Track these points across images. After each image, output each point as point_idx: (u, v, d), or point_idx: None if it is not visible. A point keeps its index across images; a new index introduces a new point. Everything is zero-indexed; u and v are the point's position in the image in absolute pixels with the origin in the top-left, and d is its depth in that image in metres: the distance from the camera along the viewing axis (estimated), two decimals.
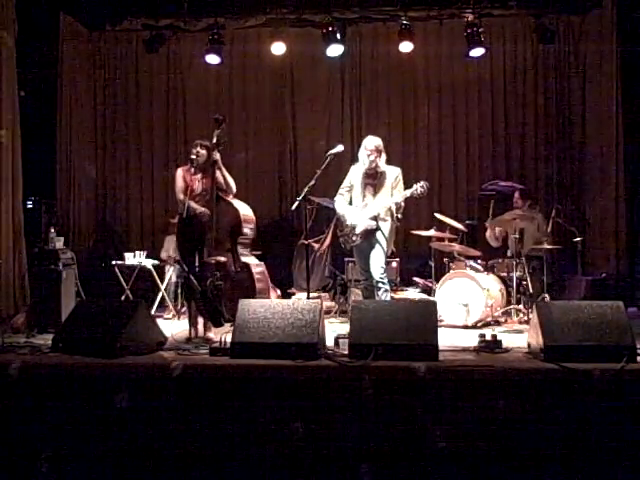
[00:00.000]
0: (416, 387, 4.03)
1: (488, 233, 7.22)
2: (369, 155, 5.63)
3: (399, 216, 5.69)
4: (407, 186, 5.64)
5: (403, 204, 5.62)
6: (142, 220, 8.80)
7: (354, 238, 5.72)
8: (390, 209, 5.60)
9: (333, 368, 4.19)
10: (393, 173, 5.70)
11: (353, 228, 5.72)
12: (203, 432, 4.03)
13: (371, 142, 5.67)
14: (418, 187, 5.49)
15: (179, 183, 5.57)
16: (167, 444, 4.04)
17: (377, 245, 5.64)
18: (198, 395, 4.13)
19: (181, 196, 5.51)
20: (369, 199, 5.70)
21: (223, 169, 5.56)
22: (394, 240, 5.98)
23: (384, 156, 5.70)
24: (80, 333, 4.72)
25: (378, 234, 5.64)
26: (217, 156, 5.47)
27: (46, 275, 6.08)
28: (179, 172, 5.63)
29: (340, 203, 5.84)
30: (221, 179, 5.55)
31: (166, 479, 4.03)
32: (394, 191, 5.63)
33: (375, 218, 5.61)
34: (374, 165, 5.65)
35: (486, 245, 7.32)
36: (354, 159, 5.85)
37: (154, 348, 4.79)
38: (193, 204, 5.40)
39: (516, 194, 7.26)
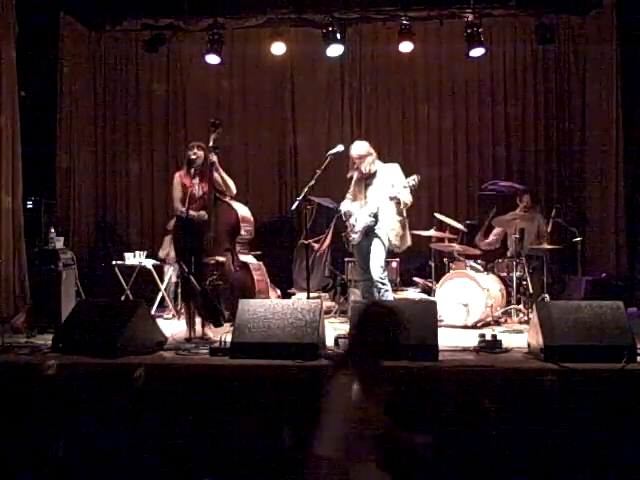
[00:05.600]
0: (415, 387, 4.04)
1: (483, 246, 7.19)
2: (359, 163, 5.66)
3: (404, 215, 5.68)
4: None
5: (406, 199, 5.53)
6: (142, 220, 8.80)
7: (354, 236, 5.72)
8: (392, 203, 5.56)
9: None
10: (390, 169, 5.69)
11: (353, 225, 5.72)
12: (203, 432, 4.03)
13: (356, 150, 5.69)
14: (410, 180, 5.48)
15: (177, 192, 5.55)
16: (167, 444, 4.04)
17: (376, 244, 5.62)
18: (198, 395, 4.14)
19: (179, 206, 5.49)
20: (369, 198, 5.71)
21: (221, 171, 5.56)
22: (409, 237, 5.85)
23: (373, 157, 5.70)
24: (80, 333, 4.73)
25: (377, 232, 5.63)
26: (214, 158, 5.48)
27: (46, 275, 6.09)
28: (177, 179, 5.60)
29: (345, 203, 5.87)
30: (220, 180, 5.55)
31: (165, 479, 4.04)
32: (394, 186, 5.61)
33: (373, 215, 5.61)
34: (367, 170, 5.66)
35: None
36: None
37: (154, 348, 4.79)
38: (192, 213, 5.39)
39: (525, 197, 7.17)
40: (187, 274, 5.28)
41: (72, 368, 4.31)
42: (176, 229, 5.75)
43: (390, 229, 5.62)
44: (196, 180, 5.54)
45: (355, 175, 5.77)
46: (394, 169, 5.69)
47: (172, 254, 7.06)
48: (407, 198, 5.52)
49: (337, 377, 2.51)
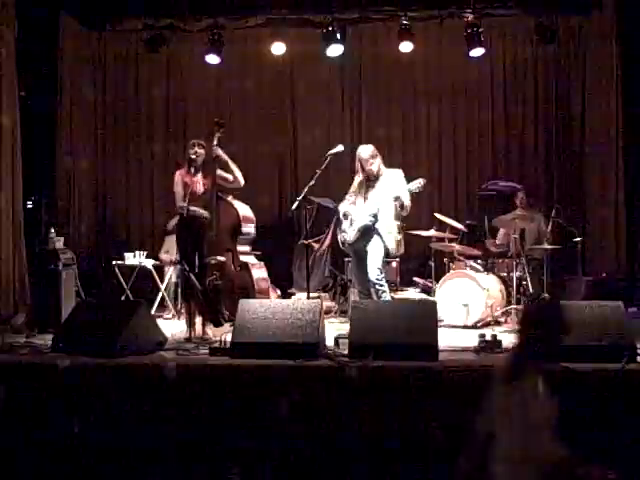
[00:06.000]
0: (416, 387, 4.04)
1: (493, 247, 7.22)
2: (367, 165, 5.67)
3: (402, 221, 5.69)
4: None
5: (407, 203, 5.57)
6: (142, 220, 8.79)
7: (350, 233, 5.71)
8: (392, 206, 5.57)
9: (333, 368, 4.19)
10: (393, 175, 5.71)
11: (351, 223, 5.72)
12: (203, 431, 4.03)
13: (365, 152, 5.72)
14: (415, 183, 5.53)
15: (179, 190, 5.57)
16: (167, 443, 4.04)
17: (375, 246, 5.61)
18: (198, 395, 4.14)
19: (181, 203, 5.51)
20: (369, 200, 5.71)
21: (228, 160, 5.57)
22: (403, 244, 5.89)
23: (379, 159, 5.73)
24: (80, 333, 4.73)
25: (376, 234, 5.63)
26: (218, 151, 5.49)
27: (46, 275, 6.09)
28: (178, 177, 5.62)
29: (344, 204, 5.87)
30: (225, 174, 5.57)
31: (166, 478, 4.04)
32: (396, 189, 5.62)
33: (373, 215, 5.60)
34: (374, 172, 5.68)
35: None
36: (354, 160, 5.86)
37: (154, 348, 4.79)
38: (193, 208, 5.39)
39: (520, 194, 7.28)
40: (188, 272, 5.28)
41: (72, 368, 4.32)
42: (178, 228, 5.76)
43: (387, 232, 5.62)
44: (197, 178, 5.55)
45: (360, 176, 5.78)
46: (397, 174, 5.72)
47: (173, 254, 7.07)
48: (407, 201, 5.54)
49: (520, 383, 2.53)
